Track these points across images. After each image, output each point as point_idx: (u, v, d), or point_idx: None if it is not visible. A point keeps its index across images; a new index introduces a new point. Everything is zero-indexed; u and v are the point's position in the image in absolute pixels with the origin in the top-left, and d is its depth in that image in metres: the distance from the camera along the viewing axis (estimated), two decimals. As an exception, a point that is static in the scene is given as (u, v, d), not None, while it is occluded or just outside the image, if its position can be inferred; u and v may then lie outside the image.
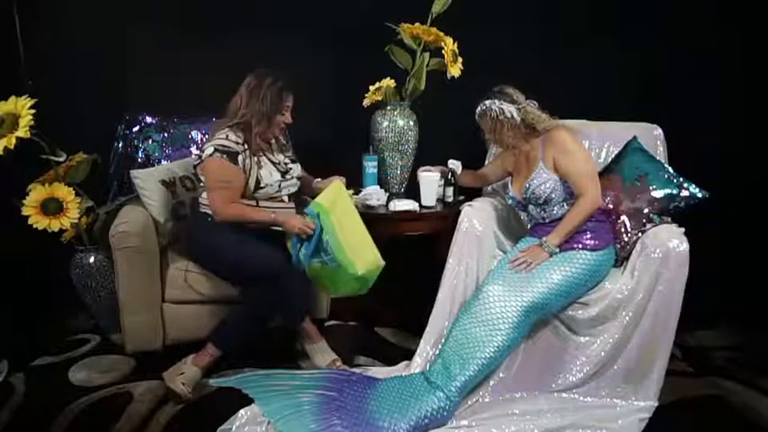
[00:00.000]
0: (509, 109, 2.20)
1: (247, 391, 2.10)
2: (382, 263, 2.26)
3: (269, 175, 2.29)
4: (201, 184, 2.33)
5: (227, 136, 2.22)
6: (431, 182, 2.59)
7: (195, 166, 2.35)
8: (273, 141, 2.40)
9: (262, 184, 2.27)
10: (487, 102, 2.23)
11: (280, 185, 2.32)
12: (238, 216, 2.23)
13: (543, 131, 2.21)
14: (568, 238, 2.17)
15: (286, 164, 2.38)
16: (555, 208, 2.23)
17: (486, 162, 2.76)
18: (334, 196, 2.27)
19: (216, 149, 2.19)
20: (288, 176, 2.36)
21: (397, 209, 2.53)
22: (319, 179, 2.52)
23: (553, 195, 2.20)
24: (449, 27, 2.62)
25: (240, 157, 2.22)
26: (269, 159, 2.32)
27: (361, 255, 2.19)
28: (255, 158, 2.26)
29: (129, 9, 2.94)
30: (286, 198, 2.37)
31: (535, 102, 2.25)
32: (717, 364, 2.48)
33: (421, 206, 2.61)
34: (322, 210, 2.17)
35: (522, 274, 2.14)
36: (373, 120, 2.78)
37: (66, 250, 2.60)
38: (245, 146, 2.24)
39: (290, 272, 2.20)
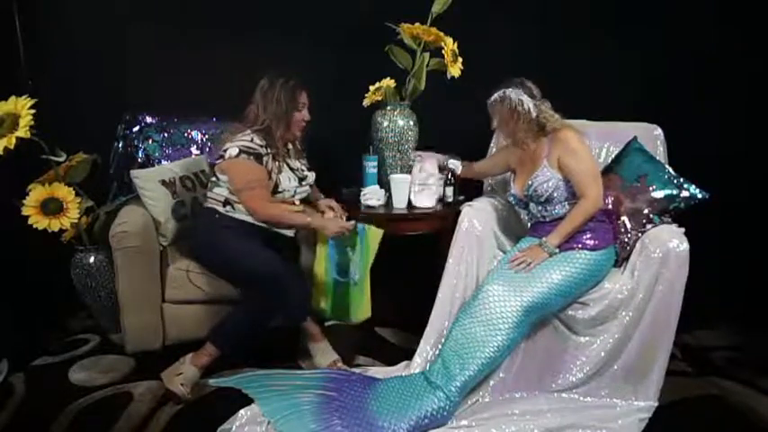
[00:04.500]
0: (528, 102, 2.19)
1: (247, 391, 2.10)
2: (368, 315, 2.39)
3: (288, 180, 2.31)
4: (214, 179, 2.33)
5: (252, 139, 2.23)
6: (400, 184, 2.60)
7: (213, 165, 2.35)
8: (291, 148, 2.42)
9: (279, 189, 2.29)
10: (507, 90, 2.20)
11: (295, 191, 2.35)
12: (277, 217, 2.26)
13: (551, 131, 2.21)
14: (568, 238, 2.17)
15: (302, 170, 2.40)
16: (557, 207, 2.23)
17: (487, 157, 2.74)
18: (375, 239, 2.34)
19: (242, 151, 2.20)
20: (304, 183, 2.39)
21: (417, 205, 2.58)
22: (322, 195, 2.55)
23: (555, 194, 2.20)
24: (449, 27, 2.61)
25: (264, 160, 2.24)
26: (288, 165, 2.34)
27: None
28: (277, 164, 2.29)
29: (129, 9, 2.94)
30: (297, 202, 2.40)
31: (548, 102, 2.24)
32: (717, 364, 2.48)
33: (393, 207, 2.63)
34: (371, 232, 2.31)
35: (521, 273, 2.14)
36: (373, 120, 2.77)
37: (67, 250, 2.60)
38: (267, 150, 2.26)
39: (291, 272, 2.20)
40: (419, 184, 2.58)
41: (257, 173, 2.22)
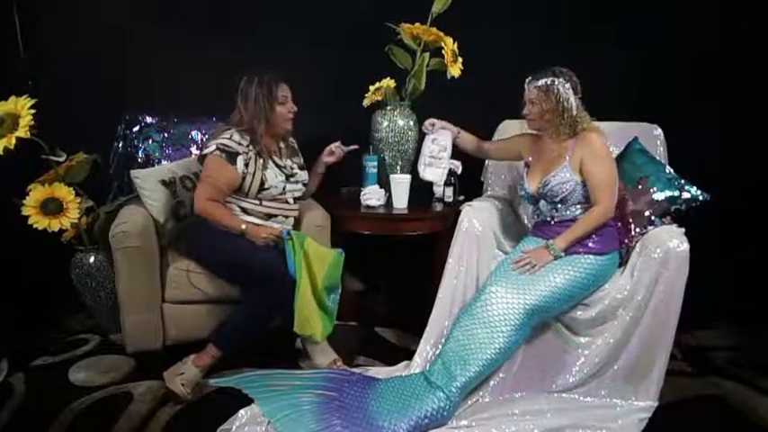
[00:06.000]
0: (572, 98, 2.14)
1: (247, 391, 2.10)
2: (319, 339, 2.27)
3: (274, 177, 2.32)
4: None
5: (232, 136, 2.27)
6: (400, 184, 2.59)
7: (200, 161, 2.37)
8: (283, 147, 2.43)
9: (266, 186, 2.31)
10: (557, 80, 2.13)
11: (284, 188, 2.36)
12: (212, 215, 2.26)
13: (579, 131, 2.17)
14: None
15: (292, 168, 2.41)
16: (569, 209, 2.20)
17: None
18: (323, 256, 2.26)
19: (217, 147, 2.25)
20: (292, 180, 2.40)
21: (425, 176, 2.52)
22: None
23: (570, 196, 2.17)
24: (449, 27, 2.62)
25: (240, 158, 2.25)
26: (275, 163, 2.35)
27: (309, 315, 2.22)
28: (261, 161, 2.29)
29: (129, 9, 2.94)
30: (291, 200, 2.41)
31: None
32: (717, 364, 2.48)
33: (393, 207, 2.62)
34: (295, 239, 2.21)
35: (525, 275, 2.13)
36: (373, 120, 2.78)
37: (67, 250, 2.60)
38: (249, 148, 2.28)
39: (288, 272, 2.21)
40: (430, 157, 2.50)
41: (220, 172, 2.25)
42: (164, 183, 2.48)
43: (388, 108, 2.74)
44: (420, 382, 2.11)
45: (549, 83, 2.14)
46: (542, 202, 2.27)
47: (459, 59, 2.64)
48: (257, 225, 2.31)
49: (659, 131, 2.56)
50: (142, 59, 2.96)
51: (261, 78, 2.30)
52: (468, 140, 2.55)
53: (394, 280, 3.14)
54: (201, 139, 2.83)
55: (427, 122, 2.53)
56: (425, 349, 2.27)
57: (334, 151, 2.56)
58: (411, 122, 2.75)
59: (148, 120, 2.83)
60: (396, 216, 2.60)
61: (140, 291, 2.29)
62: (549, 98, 2.15)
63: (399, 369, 2.31)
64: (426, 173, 2.51)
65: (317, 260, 2.24)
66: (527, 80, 2.21)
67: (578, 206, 2.20)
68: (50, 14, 2.92)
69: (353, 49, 2.94)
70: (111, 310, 2.52)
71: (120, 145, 2.81)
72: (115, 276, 2.30)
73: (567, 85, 2.13)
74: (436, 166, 2.50)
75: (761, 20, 2.89)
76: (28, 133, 2.28)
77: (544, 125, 2.22)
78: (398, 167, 2.77)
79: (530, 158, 2.34)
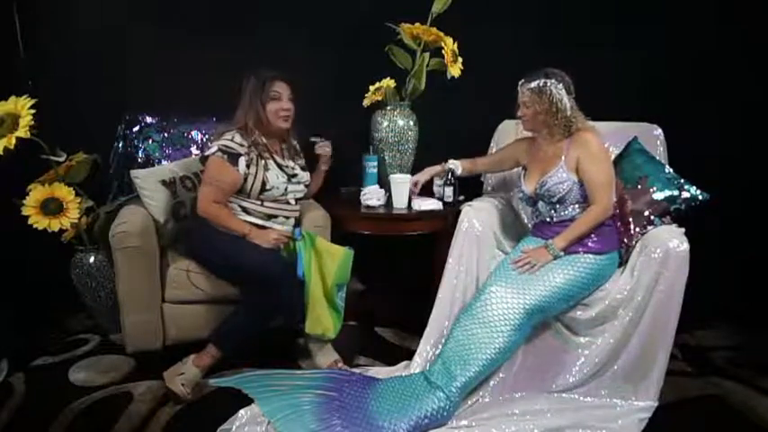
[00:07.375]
0: (566, 99, 2.14)
1: (247, 391, 2.10)
2: (333, 335, 2.32)
3: (275, 177, 2.32)
4: None
5: (234, 137, 2.27)
6: (400, 184, 2.60)
7: (201, 162, 2.38)
8: (285, 148, 2.43)
9: (268, 186, 2.30)
10: (549, 81, 2.13)
11: (286, 189, 2.36)
12: (215, 217, 2.27)
13: (574, 131, 2.17)
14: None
15: (293, 168, 2.40)
16: (568, 209, 2.20)
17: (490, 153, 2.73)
18: (334, 254, 2.31)
19: (219, 149, 2.25)
20: (294, 180, 2.39)
21: (422, 209, 2.54)
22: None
23: (567, 196, 2.17)
24: (449, 27, 2.62)
25: (242, 159, 2.25)
26: (276, 163, 2.34)
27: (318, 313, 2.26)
28: (263, 161, 2.29)
29: (129, 9, 2.94)
30: (293, 201, 2.40)
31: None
32: (717, 364, 2.48)
33: (393, 207, 2.62)
34: (307, 239, 2.28)
35: (524, 275, 2.13)
36: (373, 120, 2.78)
37: (67, 250, 2.60)
38: (251, 149, 2.28)
39: (289, 272, 2.21)
40: (419, 202, 2.58)
41: (222, 173, 2.25)
42: (164, 183, 2.48)
43: (388, 108, 2.74)
44: (420, 382, 2.11)
45: (541, 84, 2.14)
46: (540, 203, 2.27)
47: (459, 59, 2.64)
48: (259, 226, 2.31)
49: (659, 131, 2.56)
50: (142, 59, 2.96)
51: (255, 74, 2.31)
52: (461, 167, 2.56)
53: (394, 280, 3.14)
54: (201, 139, 2.84)
55: (411, 185, 2.58)
56: (425, 349, 2.27)
57: (318, 150, 2.57)
58: (411, 122, 2.75)
59: (148, 120, 2.83)
60: (396, 216, 2.60)
61: (140, 291, 2.29)
62: (542, 99, 2.15)
63: (399, 369, 2.31)
64: (423, 206, 2.56)
65: (328, 258, 2.28)
66: (520, 83, 2.22)
67: (576, 206, 2.20)
68: (50, 14, 2.92)
69: (353, 49, 2.93)
70: (111, 310, 2.53)
71: (120, 145, 2.81)
72: (115, 276, 2.30)
73: (560, 86, 2.14)
74: (427, 202, 2.58)
75: (761, 20, 2.89)
76: (28, 133, 2.28)
77: (538, 126, 2.23)
78: (398, 167, 2.77)
79: (524, 162, 2.35)
